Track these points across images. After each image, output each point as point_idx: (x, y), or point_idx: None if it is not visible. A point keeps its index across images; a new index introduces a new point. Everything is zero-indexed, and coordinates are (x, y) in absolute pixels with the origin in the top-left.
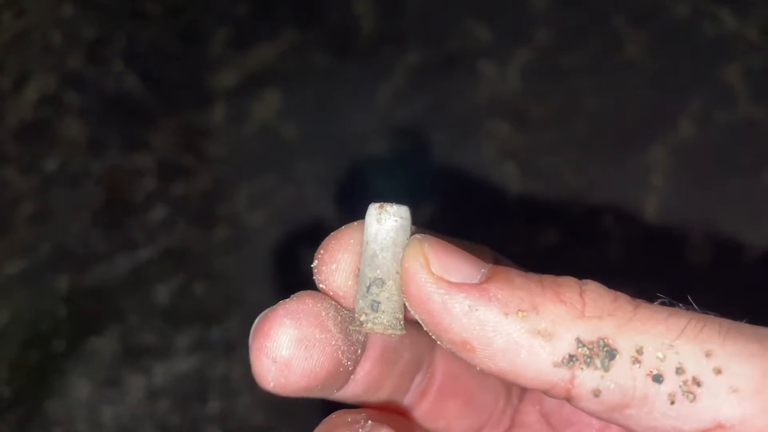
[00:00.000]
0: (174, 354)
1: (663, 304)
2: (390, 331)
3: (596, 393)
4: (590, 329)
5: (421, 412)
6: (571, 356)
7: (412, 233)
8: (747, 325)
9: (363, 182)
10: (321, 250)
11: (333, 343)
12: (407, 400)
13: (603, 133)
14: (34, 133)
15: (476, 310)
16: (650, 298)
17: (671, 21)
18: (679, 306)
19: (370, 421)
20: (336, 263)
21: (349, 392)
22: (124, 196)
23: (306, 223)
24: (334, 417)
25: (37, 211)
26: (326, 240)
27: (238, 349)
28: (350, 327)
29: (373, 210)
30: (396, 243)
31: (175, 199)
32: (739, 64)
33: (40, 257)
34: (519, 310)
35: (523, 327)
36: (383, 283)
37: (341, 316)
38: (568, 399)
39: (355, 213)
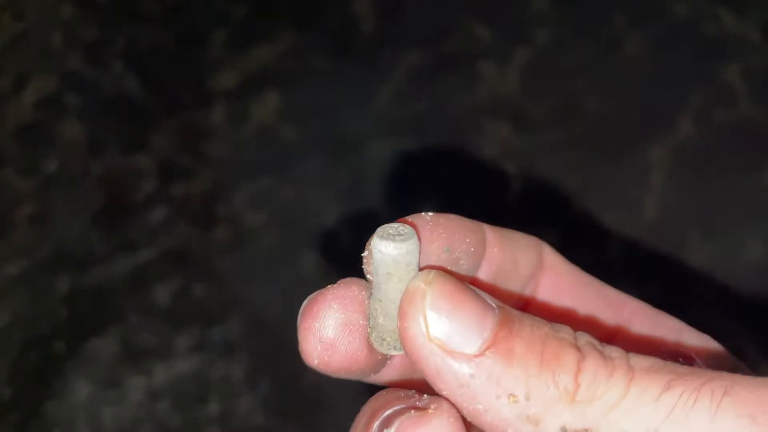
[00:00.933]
0: (174, 355)
1: (665, 358)
2: (394, 353)
3: None
4: (577, 416)
5: None
6: None
7: (418, 261)
8: (746, 385)
9: (363, 183)
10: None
11: None
12: None
13: (602, 132)
14: (34, 134)
15: (469, 385)
16: (651, 299)
17: (671, 21)
18: (680, 362)
19: (425, 395)
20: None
21: (384, 376)
22: (123, 197)
23: (306, 224)
24: (385, 393)
25: (37, 212)
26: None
27: (238, 350)
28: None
29: (376, 238)
30: (401, 278)
31: (175, 199)
32: (739, 63)
33: (39, 258)
34: (510, 395)
35: (512, 411)
36: (387, 315)
37: None
38: None
39: (355, 213)
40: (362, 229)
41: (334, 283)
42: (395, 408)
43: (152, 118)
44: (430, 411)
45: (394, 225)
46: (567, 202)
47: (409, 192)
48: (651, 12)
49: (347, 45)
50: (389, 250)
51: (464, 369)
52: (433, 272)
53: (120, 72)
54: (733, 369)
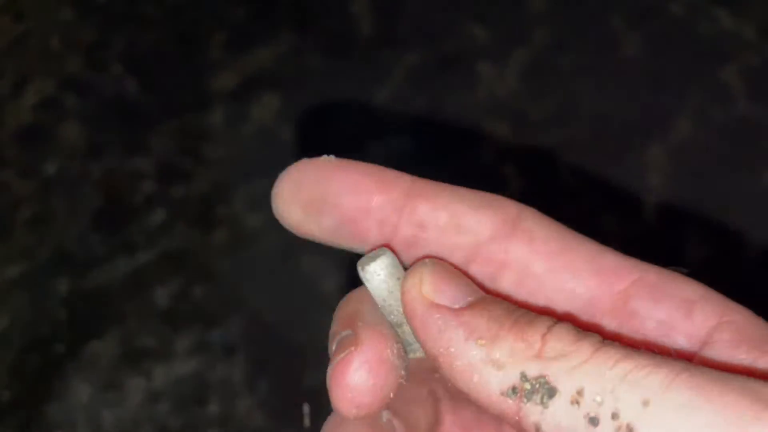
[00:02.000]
0: (174, 357)
1: (637, 347)
2: (420, 355)
3: (537, 427)
4: (538, 367)
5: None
6: (514, 388)
7: (404, 268)
8: (713, 371)
9: None
10: (274, 188)
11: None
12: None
13: (601, 133)
14: (34, 136)
15: (446, 331)
16: None
17: (668, 20)
18: (657, 347)
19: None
20: (283, 203)
21: None
22: (123, 199)
23: None
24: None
25: (37, 214)
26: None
27: (237, 352)
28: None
29: (360, 271)
30: (391, 290)
31: (175, 201)
32: (736, 63)
33: (39, 261)
34: (479, 338)
35: (479, 354)
36: (401, 325)
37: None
38: (519, 429)
39: None
40: None
41: (330, 290)
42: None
43: (152, 120)
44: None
45: (364, 257)
46: (565, 202)
47: None
48: (648, 11)
49: (346, 46)
50: (376, 278)
51: (444, 318)
52: (430, 259)
53: (119, 74)
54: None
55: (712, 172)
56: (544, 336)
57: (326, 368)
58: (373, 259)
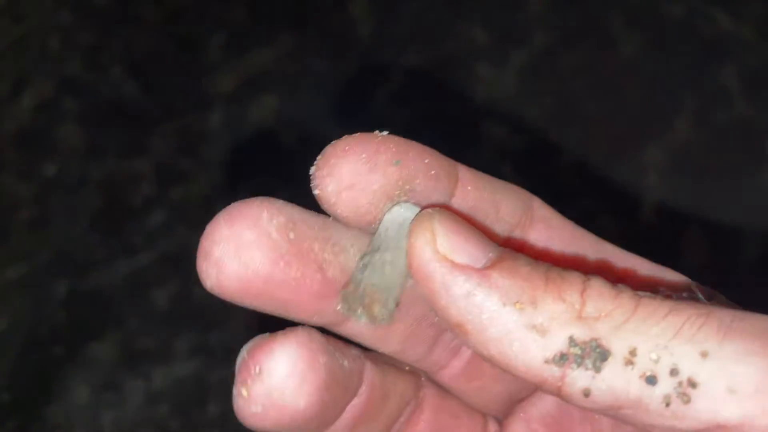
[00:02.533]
0: (173, 358)
1: (668, 297)
2: (367, 320)
3: (586, 393)
4: (585, 329)
5: (452, 372)
6: (562, 354)
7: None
8: (753, 318)
9: None
10: (319, 157)
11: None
12: (435, 358)
13: (599, 133)
14: (32, 138)
15: (475, 295)
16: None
17: (666, 22)
18: (683, 297)
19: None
20: (329, 169)
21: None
22: (122, 201)
23: None
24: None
25: (36, 216)
26: (325, 148)
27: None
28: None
29: (393, 209)
30: (401, 231)
31: (174, 203)
32: (734, 63)
33: (39, 263)
34: (517, 302)
35: (519, 319)
36: (383, 258)
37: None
38: (559, 396)
39: None
40: None
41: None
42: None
43: (151, 122)
44: (279, 333)
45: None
46: (564, 203)
47: None
48: (646, 13)
49: (345, 48)
50: (401, 213)
51: (471, 280)
52: (438, 208)
53: (118, 76)
54: None
55: (710, 172)
56: (583, 293)
57: None
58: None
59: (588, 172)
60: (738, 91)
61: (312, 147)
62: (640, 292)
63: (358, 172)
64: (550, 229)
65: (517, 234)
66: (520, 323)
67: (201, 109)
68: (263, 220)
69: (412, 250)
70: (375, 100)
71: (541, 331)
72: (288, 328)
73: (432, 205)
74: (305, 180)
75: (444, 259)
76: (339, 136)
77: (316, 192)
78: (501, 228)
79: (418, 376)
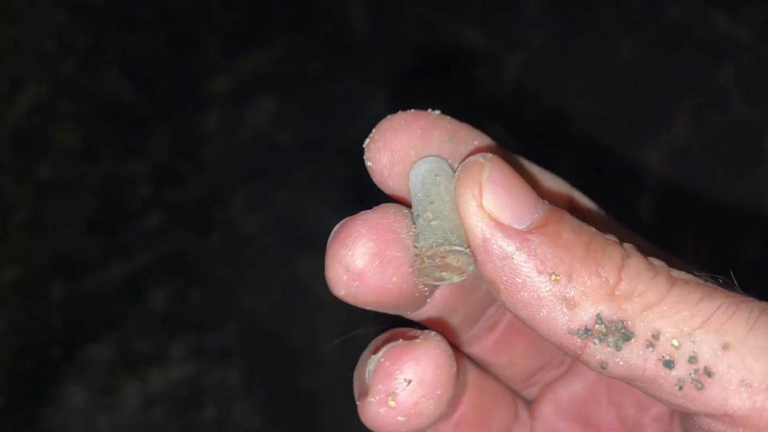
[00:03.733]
0: (170, 361)
1: (704, 281)
2: (437, 283)
3: (603, 365)
4: (614, 307)
5: (486, 346)
6: (587, 329)
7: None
8: None
9: (358, 187)
10: (373, 131)
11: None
12: (474, 331)
13: (597, 135)
14: (28, 140)
15: (512, 258)
16: None
17: (664, 23)
18: (719, 283)
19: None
20: (384, 141)
21: (423, 314)
22: (118, 203)
23: (301, 228)
24: (388, 332)
25: (32, 218)
26: (380, 122)
27: (233, 356)
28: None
29: (418, 161)
30: (427, 184)
31: (170, 205)
32: (732, 65)
33: (34, 265)
34: (552, 273)
35: (552, 290)
36: (438, 212)
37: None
38: (577, 359)
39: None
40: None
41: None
42: (386, 337)
43: (147, 124)
44: (417, 340)
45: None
46: None
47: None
48: (643, 14)
49: (342, 49)
50: (431, 161)
51: (511, 242)
52: (491, 154)
53: (114, 78)
54: None
55: (708, 173)
56: (619, 271)
57: (321, 372)
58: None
59: (586, 172)
60: (735, 92)
61: (309, 149)
62: (675, 272)
63: (412, 146)
64: (588, 215)
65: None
66: (551, 293)
67: (198, 110)
68: (402, 233)
69: (458, 199)
70: (372, 101)
71: (571, 304)
72: (422, 336)
73: (480, 150)
74: (301, 182)
75: (488, 216)
76: (334, 139)
77: (368, 164)
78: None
79: (462, 354)
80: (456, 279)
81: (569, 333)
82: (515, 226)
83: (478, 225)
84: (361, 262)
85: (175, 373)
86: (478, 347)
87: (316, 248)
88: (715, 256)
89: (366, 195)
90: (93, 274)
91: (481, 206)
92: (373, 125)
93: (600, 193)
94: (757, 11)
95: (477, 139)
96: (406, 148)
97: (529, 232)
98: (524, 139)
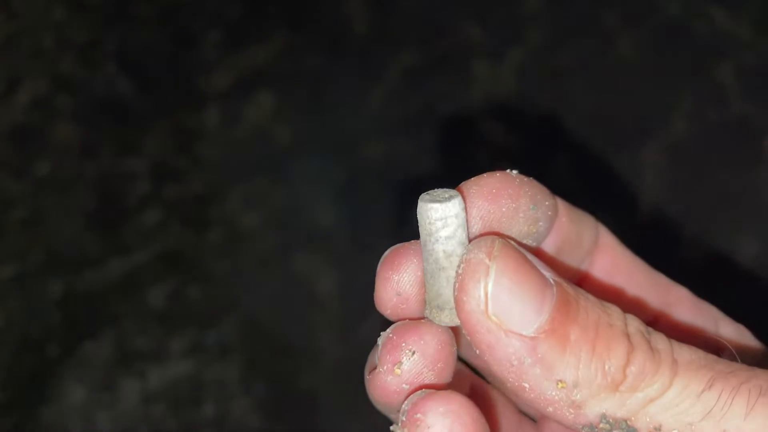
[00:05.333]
0: (169, 358)
1: (708, 357)
2: (447, 323)
3: None
4: (618, 405)
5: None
6: (592, 426)
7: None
8: None
9: (357, 183)
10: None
11: None
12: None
13: (596, 132)
14: (26, 136)
15: (520, 365)
16: None
17: (664, 20)
18: (722, 357)
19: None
20: (479, 212)
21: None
22: (117, 199)
23: (300, 225)
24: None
25: (30, 215)
26: (467, 183)
27: (232, 352)
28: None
29: (420, 201)
30: (439, 236)
31: (169, 202)
32: (732, 62)
33: (33, 262)
34: (559, 381)
35: (558, 394)
36: (435, 274)
37: None
38: None
39: (349, 214)
40: (356, 230)
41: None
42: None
43: (145, 120)
44: (422, 321)
45: (440, 190)
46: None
47: (403, 192)
48: (643, 11)
49: (340, 45)
50: (433, 211)
51: (518, 350)
52: (498, 242)
53: (113, 73)
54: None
55: (707, 171)
56: (624, 368)
57: (320, 369)
58: (441, 199)
59: (585, 170)
60: (735, 89)
61: (308, 145)
62: (678, 352)
63: (502, 215)
64: (614, 255)
65: (588, 261)
66: (558, 397)
67: (196, 106)
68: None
69: (462, 306)
70: (371, 98)
71: (577, 406)
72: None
73: (489, 233)
74: (300, 178)
75: (495, 324)
76: (333, 135)
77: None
78: (578, 257)
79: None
80: (442, 323)
81: (574, 426)
82: (522, 332)
83: (485, 334)
84: (411, 288)
85: (174, 370)
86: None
87: (314, 244)
88: (715, 254)
89: (364, 193)
90: (91, 270)
91: (487, 315)
92: (371, 122)
93: (599, 191)
94: (758, 8)
95: (548, 200)
96: (498, 218)
97: (536, 338)
98: (523, 137)
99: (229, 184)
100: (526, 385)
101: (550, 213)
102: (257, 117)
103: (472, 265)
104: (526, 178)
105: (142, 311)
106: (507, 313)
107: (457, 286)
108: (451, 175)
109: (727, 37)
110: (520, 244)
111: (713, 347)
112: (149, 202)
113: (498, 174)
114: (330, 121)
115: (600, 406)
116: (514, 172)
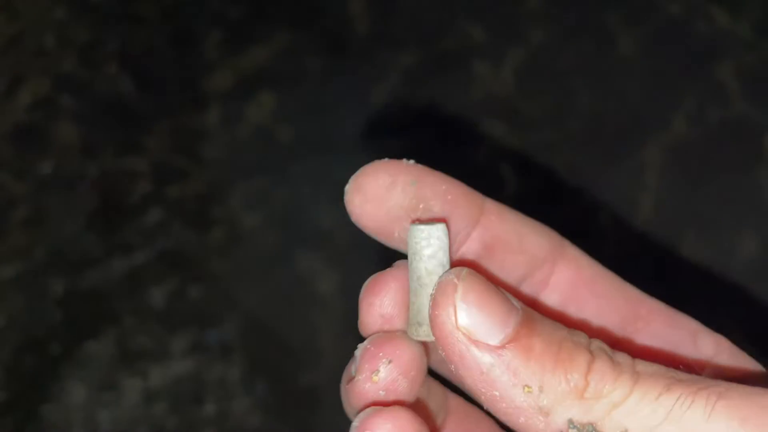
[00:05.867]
0: (170, 357)
1: (667, 368)
2: (425, 339)
3: None
4: (584, 411)
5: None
6: None
7: (450, 251)
8: (738, 392)
9: None
10: (351, 177)
11: None
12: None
13: (597, 132)
14: (28, 136)
15: (489, 373)
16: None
17: (664, 19)
18: (680, 369)
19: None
20: (357, 185)
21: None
22: (118, 199)
23: (301, 225)
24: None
25: (32, 214)
26: (355, 175)
27: (234, 352)
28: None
29: (412, 227)
30: (424, 256)
31: (170, 201)
32: (732, 62)
33: (34, 261)
34: (526, 386)
35: (526, 400)
36: (417, 291)
37: None
38: None
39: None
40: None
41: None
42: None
43: (147, 120)
44: (396, 333)
45: (429, 222)
46: (561, 201)
47: None
48: (644, 10)
49: (342, 45)
50: (419, 231)
51: (486, 358)
52: (465, 269)
53: (114, 73)
54: (753, 377)
55: (708, 171)
56: (586, 376)
57: (321, 368)
58: (426, 224)
59: (585, 170)
60: (736, 89)
61: (309, 145)
62: (640, 366)
63: (379, 187)
64: (578, 269)
65: (544, 270)
66: (526, 403)
67: (198, 106)
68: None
69: (435, 320)
70: (372, 98)
71: (545, 412)
72: (399, 331)
73: (460, 262)
74: (302, 178)
75: (463, 335)
76: (335, 135)
77: (347, 207)
78: (523, 260)
79: (444, 385)
80: (418, 339)
81: None
82: (489, 342)
83: (455, 344)
84: (392, 309)
85: (176, 369)
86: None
87: (316, 244)
88: (714, 254)
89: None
90: (93, 270)
91: (456, 327)
92: (372, 122)
93: (599, 191)
94: (759, 8)
95: (445, 184)
96: (374, 189)
97: (502, 347)
98: (524, 136)
99: (231, 183)
100: (497, 393)
101: (449, 198)
102: (258, 117)
103: (443, 284)
104: (419, 165)
105: (144, 310)
106: (474, 325)
107: (431, 303)
108: (452, 175)
109: (728, 37)
110: (488, 276)
111: (688, 366)
112: (150, 201)
113: (385, 159)
114: (331, 120)
115: (567, 412)
116: (411, 161)
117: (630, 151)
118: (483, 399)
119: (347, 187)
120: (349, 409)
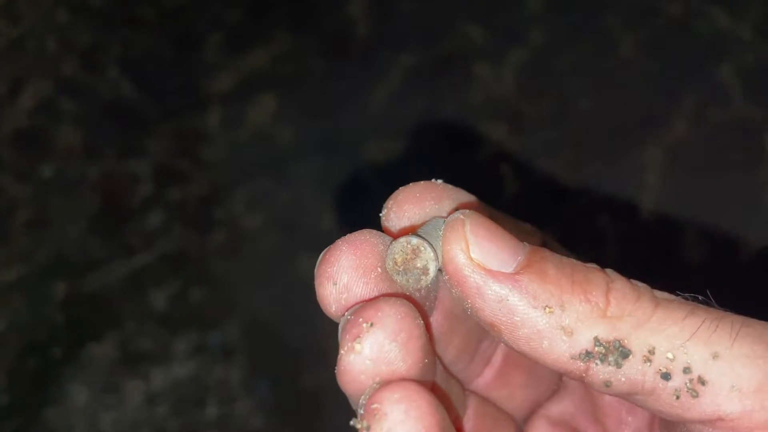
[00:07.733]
0: (172, 359)
1: (685, 300)
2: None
3: (607, 384)
4: (609, 329)
5: (486, 381)
6: (588, 352)
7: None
8: (759, 324)
9: (359, 184)
10: (390, 201)
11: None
12: (472, 367)
13: (597, 132)
14: (30, 139)
15: (507, 299)
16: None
17: (665, 20)
18: (699, 301)
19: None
20: (403, 213)
21: None
22: (120, 201)
23: (303, 226)
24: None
25: (34, 218)
26: (396, 192)
27: (235, 353)
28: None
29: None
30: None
31: (172, 204)
32: (733, 62)
33: (37, 264)
34: (546, 306)
35: (548, 322)
36: (425, 239)
37: None
38: (582, 382)
39: (351, 215)
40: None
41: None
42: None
43: (148, 122)
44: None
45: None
46: (562, 201)
47: None
48: (644, 12)
49: (343, 47)
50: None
51: (502, 287)
52: (468, 210)
53: (116, 76)
54: None
55: (708, 171)
56: (606, 294)
57: (324, 370)
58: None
59: (586, 170)
60: (736, 90)
61: (309, 147)
62: (658, 293)
63: (428, 216)
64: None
65: None
66: (549, 325)
67: (199, 109)
68: (380, 248)
69: (447, 257)
70: (373, 99)
71: (569, 332)
72: (400, 381)
73: (463, 206)
74: (302, 180)
75: (478, 266)
76: (335, 137)
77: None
78: None
79: (460, 383)
80: (423, 281)
81: (572, 359)
82: (503, 270)
83: (470, 275)
84: (346, 275)
85: (178, 372)
86: (479, 383)
87: (317, 246)
88: (715, 254)
89: (366, 194)
90: (95, 272)
91: (470, 258)
92: (373, 124)
93: (599, 191)
94: (759, 8)
95: (463, 198)
96: (421, 218)
97: (517, 273)
98: (524, 137)
99: (232, 185)
100: (518, 319)
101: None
102: (259, 119)
103: (451, 223)
104: (450, 186)
105: (146, 313)
106: (487, 256)
107: (442, 243)
108: (452, 175)
109: (728, 37)
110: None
111: None
112: (152, 203)
113: (422, 183)
114: (332, 122)
115: (591, 330)
116: (439, 181)
117: (630, 151)
118: (503, 329)
119: (388, 214)
120: (351, 402)
